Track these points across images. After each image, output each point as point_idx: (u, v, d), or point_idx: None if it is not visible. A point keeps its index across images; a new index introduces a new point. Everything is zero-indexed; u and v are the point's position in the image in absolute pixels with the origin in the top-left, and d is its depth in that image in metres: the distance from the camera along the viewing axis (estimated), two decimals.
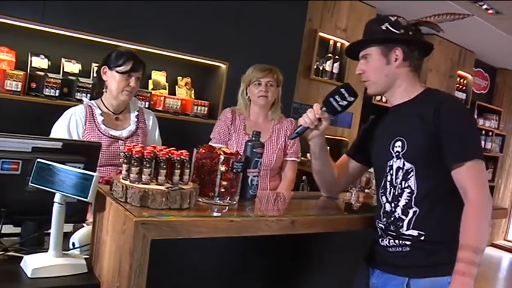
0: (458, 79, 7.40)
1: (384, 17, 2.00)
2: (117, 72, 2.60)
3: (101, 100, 2.72)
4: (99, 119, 2.63)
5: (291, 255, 2.21)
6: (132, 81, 2.62)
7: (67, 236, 1.82)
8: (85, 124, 2.59)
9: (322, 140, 2.13)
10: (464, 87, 7.59)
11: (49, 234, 1.69)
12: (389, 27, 1.95)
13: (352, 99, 2.03)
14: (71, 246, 1.86)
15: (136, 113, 2.80)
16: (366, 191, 3.15)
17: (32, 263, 1.60)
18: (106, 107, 2.70)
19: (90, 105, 2.67)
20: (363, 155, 2.20)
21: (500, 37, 6.31)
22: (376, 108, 5.67)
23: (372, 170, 3.17)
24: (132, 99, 2.79)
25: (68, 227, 1.89)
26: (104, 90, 2.70)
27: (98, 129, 2.61)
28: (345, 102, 2.03)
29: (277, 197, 2.45)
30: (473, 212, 1.75)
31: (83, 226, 1.98)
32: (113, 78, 2.62)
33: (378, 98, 6.04)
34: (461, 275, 1.70)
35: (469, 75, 7.62)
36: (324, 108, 2.04)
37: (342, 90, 2.04)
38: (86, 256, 1.78)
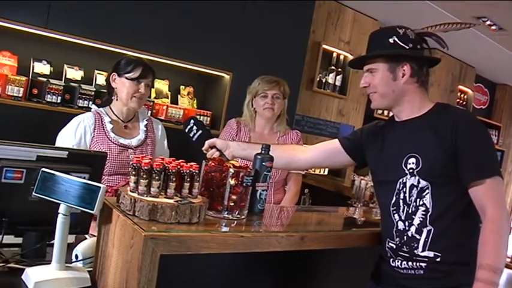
0: (458, 94, 7.40)
1: (392, 29, 1.91)
2: (127, 78, 2.56)
3: (110, 108, 2.67)
4: (109, 126, 2.58)
5: (297, 270, 2.17)
6: (142, 87, 2.58)
7: (69, 247, 1.76)
8: (94, 131, 2.55)
9: (229, 155, 2.14)
10: (464, 102, 7.60)
11: (51, 245, 1.64)
12: (398, 41, 1.87)
13: (200, 131, 2.18)
14: (73, 258, 1.80)
15: (145, 122, 2.76)
16: (370, 205, 3.11)
17: (34, 276, 1.55)
18: (115, 115, 2.65)
19: (99, 113, 2.62)
20: (357, 152, 2.14)
21: (502, 53, 6.32)
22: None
23: (368, 180, 3.13)
24: (141, 108, 2.75)
25: (70, 238, 1.83)
26: (113, 98, 2.66)
27: (107, 137, 2.56)
28: (195, 135, 2.18)
29: (285, 212, 2.41)
30: (492, 230, 1.70)
31: (86, 238, 1.93)
32: (122, 85, 2.58)
33: (380, 111, 6.02)
34: None
35: (469, 90, 7.63)
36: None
37: (192, 122, 2.20)
38: (90, 269, 1.73)
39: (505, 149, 8.56)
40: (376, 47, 1.94)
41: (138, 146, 2.65)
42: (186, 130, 2.20)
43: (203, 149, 2.17)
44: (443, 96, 6.93)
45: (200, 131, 2.18)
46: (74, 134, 2.50)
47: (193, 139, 2.19)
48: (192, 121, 2.20)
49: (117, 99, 2.64)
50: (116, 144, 2.57)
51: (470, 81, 7.62)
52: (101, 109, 2.66)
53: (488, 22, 5.11)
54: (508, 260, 8.39)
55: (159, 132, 2.83)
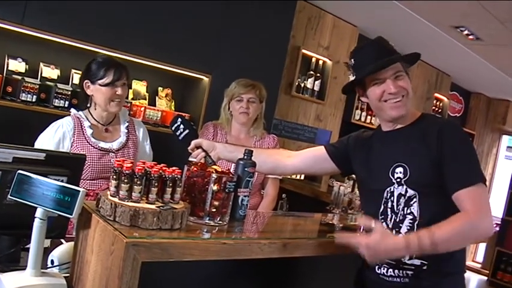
0: (434, 101, 7.49)
1: (385, 39, 1.94)
2: (101, 85, 2.49)
3: (89, 111, 2.60)
4: (89, 131, 2.52)
5: (279, 276, 2.15)
6: (119, 90, 2.51)
7: (44, 252, 1.70)
8: (73, 136, 2.48)
9: (215, 156, 2.13)
10: (440, 110, 7.69)
11: (25, 249, 1.59)
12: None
13: (187, 131, 2.17)
14: (49, 264, 1.75)
15: (126, 124, 2.70)
16: (349, 211, 3.12)
17: (8, 283, 1.49)
18: (95, 119, 2.59)
19: (78, 117, 2.55)
20: (342, 160, 2.13)
21: (477, 62, 6.40)
22: (355, 126, 5.68)
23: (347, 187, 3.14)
24: (122, 109, 2.69)
25: (46, 242, 1.78)
26: (88, 106, 2.59)
27: (88, 142, 2.50)
28: (182, 134, 2.17)
29: (266, 218, 2.39)
30: (462, 219, 1.68)
31: (61, 242, 1.88)
32: (98, 92, 2.51)
33: (357, 117, 6.06)
34: (405, 245, 1.66)
35: (445, 98, 7.73)
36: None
37: (179, 121, 2.18)
38: (66, 275, 1.68)
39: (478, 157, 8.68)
40: (390, 53, 1.90)
41: (119, 149, 2.59)
42: (173, 129, 2.17)
43: (189, 148, 2.14)
44: (420, 104, 7.00)
45: (187, 131, 2.15)
46: (52, 139, 2.43)
47: (180, 138, 2.16)
48: (179, 120, 2.17)
49: (95, 106, 2.57)
50: (96, 148, 2.51)
51: (446, 89, 7.72)
52: (80, 113, 2.59)
53: (465, 32, 5.17)
54: (479, 266, 8.54)
55: (141, 134, 2.77)
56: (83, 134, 2.51)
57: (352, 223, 2.63)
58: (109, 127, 2.63)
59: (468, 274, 8.25)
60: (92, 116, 2.59)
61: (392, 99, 1.88)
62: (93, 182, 2.44)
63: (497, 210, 8.67)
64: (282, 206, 4.01)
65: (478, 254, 9.03)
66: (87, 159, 2.39)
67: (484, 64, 6.44)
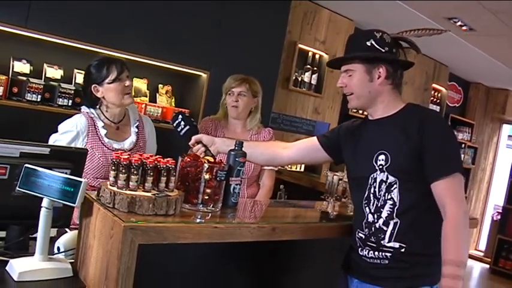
0: (432, 92, 7.56)
1: (369, 33, 2.02)
2: (109, 83, 2.54)
3: (100, 111, 2.64)
4: (102, 131, 2.59)
5: (271, 261, 2.27)
6: (126, 81, 2.58)
7: (51, 240, 1.84)
8: (87, 136, 2.55)
9: (214, 151, 2.25)
10: (438, 100, 7.74)
11: (33, 238, 1.72)
12: (375, 44, 1.98)
13: (188, 127, 2.30)
14: (55, 251, 1.88)
15: (136, 123, 2.75)
16: (343, 200, 3.21)
17: (18, 267, 1.62)
18: (107, 118, 2.64)
19: (91, 116, 2.62)
20: (334, 150, 2.24)
21: (473, 53, 6.47)
22: (353, 118, 5.76)
23: (345, 178, 3.24)
24: (132, 106, 2.76)
25: (52, 232, 1.91)
26: (99, 108, 2.64)
27: (102, 143, 2.56)
28: (183, 130, 2.30)
29: (257, 205, 2.51)
30: (452, 226, 1.81)
31: (66, 231, 2.00)
32: (108, 91, 2.56)
33: (355, 109, 6.14)
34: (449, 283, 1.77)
35: (443, 89, 7.78)
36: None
37: (180, 117, 2.33)
38: (71, 260, 1.81)
39: (478, 146, 8.74)
40: (354, 49, 2.04)
41: (131, 149, 2.63)
42: (174, 125, 2.30)
43: (190, 143, 2.26)
44: (418, 95, 7.07)
45: (188, 127, 2.28)
46: (65, 138, 2.50)
47: (181, 134, 2.28)
48: (180, 116, 2.30)
49: (107, 106, 2.63)
50: (110, 149, 2.55)
51: (444, 80, 7.77)
52: (92, 111, 2.63)
53: (459, 23, 5.25)
54: (481, 254, 8.62)
55: (148, 128, 2.83)
56: (97, 134, 2.56)
57: (348, 212, 2.73)
58: (119, 125, 2.68)
59: (470, 262, 8.34)
60: (104, 115, 2.64)
61: (345, 92, 2.08)
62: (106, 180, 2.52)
63: (499, 199, 8.75)
64: (280, 197, 4.12)
65: (480, 242, 9.11)
66: (101, 159, 2.50)
67: (480, 54, 6.50)
